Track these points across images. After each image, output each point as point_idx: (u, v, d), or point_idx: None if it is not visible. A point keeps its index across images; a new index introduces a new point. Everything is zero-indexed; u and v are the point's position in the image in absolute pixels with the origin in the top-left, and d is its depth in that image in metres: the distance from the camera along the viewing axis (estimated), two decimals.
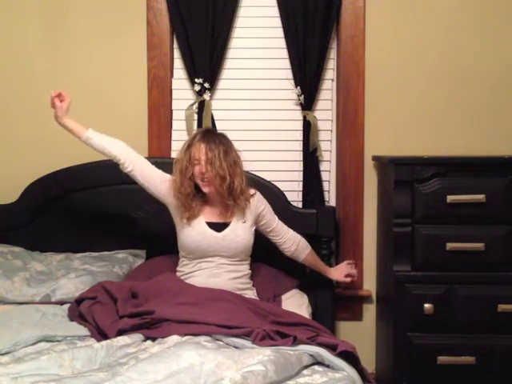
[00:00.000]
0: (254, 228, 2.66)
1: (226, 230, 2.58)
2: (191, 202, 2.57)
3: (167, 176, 2.64)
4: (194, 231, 2.57)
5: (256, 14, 3.13)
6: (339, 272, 2.86)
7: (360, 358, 2.04)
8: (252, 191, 2.67)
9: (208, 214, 2.61)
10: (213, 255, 2.57)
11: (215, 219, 2.61)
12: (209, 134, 2.60)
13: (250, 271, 2.67)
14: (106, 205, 3.00)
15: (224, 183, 2.51)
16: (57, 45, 3.11)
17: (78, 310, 2.39)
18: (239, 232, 2.59)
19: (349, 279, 2.86)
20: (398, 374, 2.77)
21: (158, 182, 2.62)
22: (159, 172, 2.65)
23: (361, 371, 2.00)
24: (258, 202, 2.66)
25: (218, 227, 2.59)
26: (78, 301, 2.46)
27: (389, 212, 2.85)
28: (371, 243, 3.14)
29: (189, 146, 2.57)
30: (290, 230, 2.76)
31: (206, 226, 2.58)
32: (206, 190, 2.56)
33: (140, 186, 2.62)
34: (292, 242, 2.73)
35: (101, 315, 2.29)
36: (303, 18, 3.01)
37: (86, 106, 3.12)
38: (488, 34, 3.08)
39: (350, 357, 1.99)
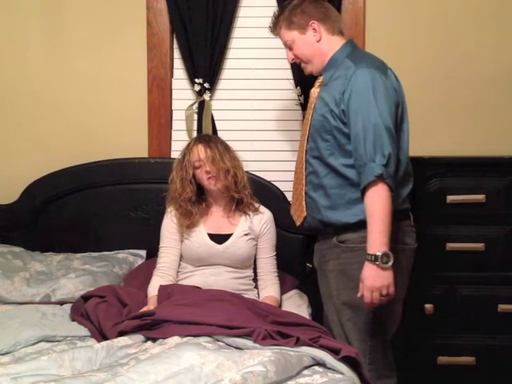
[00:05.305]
0: (255, 243, 2.65)
1: (227, 243, 2.58)
2: (191, 209, 2.57)
3: (166, 227, 2.64)
4: (195, 243, 2.57)
5: (256, 14, 3.12)
6: None
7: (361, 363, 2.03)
8: (264, 210, 2.67)
9: (210, 225, 2.61)
10: (214, 264, 2.58)
11: (217, 231, 2.60)
12: (203, 137, 2.70)
13: (252, 274, 2.66)
14: (106, 205, 3.00)
15: (229, 175, 2.55)
16: (56, 45, 3.11)
17: (84, 306, 2.39)
18: (240, 245, 2.59)
19: None
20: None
21: (171, 235, 2.61)
22: (168, 239, 2.63)
23: (362, 376, 1.99)
24: (266, 224, 2.65)
25: (220, 239, 2.58)
26: (85, 298, 2.46)
27: None
28: None
29: (184, 154, 2.60)
30: (273, 280, 2.64)
31: (208, 238, 2.58)
32: (213, 187, 2.57)
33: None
34: (263, 287, 2.63)
35: (105, 315, 2.29)
36: None
37: (86, 106, 3.12)
38: (488, 34, 3.08)
39: (352, 361, 1.98)
